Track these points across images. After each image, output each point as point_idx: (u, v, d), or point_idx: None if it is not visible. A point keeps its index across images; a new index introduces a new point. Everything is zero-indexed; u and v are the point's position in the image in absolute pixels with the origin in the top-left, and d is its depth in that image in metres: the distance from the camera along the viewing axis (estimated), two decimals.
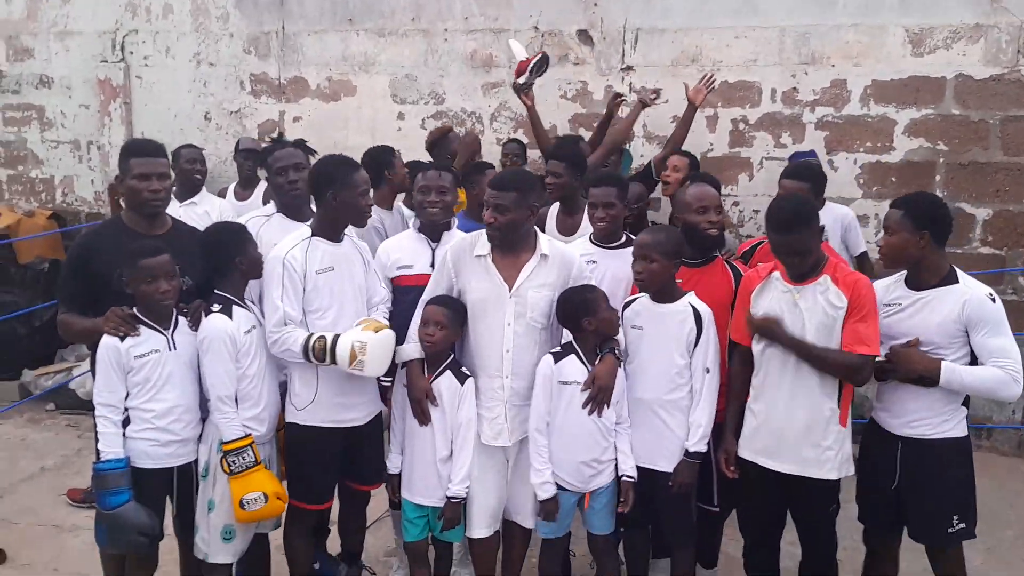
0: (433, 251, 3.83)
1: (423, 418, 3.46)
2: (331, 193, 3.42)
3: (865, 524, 3.51)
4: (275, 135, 6.34)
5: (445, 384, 3.47)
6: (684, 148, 5.37)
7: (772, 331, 3.25)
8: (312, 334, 3.34)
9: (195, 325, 3.32)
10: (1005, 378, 3.11)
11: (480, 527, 3.56)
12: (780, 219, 3.24)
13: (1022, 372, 3.13)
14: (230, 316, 3.31)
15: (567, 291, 3.42)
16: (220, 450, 3.27)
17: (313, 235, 3.46)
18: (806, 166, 4.67)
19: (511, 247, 3.44)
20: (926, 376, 3.15)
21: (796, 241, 3.19)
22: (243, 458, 3.24)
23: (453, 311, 3.45)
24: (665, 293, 3.47)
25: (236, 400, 3.31)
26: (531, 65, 5.27)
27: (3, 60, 7.66)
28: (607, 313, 3.41)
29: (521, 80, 5.30)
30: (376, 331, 3.38)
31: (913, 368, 3.16)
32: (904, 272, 3.34)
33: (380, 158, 4.64)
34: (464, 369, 3.51)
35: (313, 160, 3.83)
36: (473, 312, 3.48)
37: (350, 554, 3.95)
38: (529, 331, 3.43)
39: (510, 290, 3.40)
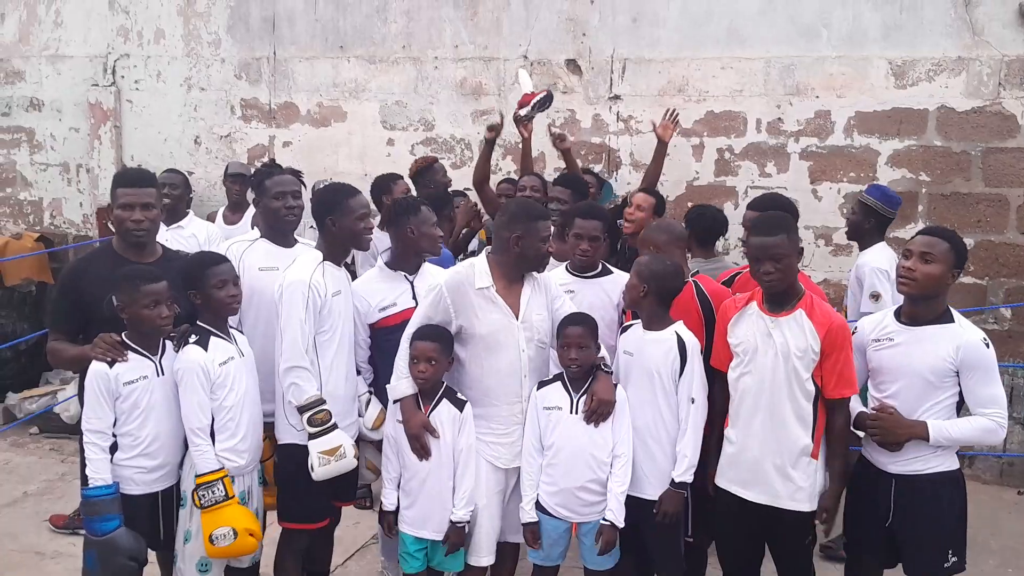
0: (412, 284, 3.84)
1: (423, 452, 3.43)
2: (330, 220, 3.53)
3: (852, 555, 3.50)
4: (267, 160, 6.44)
5: (445, 413, 3.45)
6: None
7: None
8: (322, 408, 3.38)
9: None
10: (991, 426, 3.15)
11: (485, 554, 3.54)
12: (766, 221, 3.36)
13: (1006, 417, 3.18)
14: (206, 348, 3.30)
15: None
16: (194, 482, 3.26)
17: (324, 259, 3.53)
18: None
19: (516, 277, 3.51)
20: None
21: (776, 245, 3.23)
22: (213, 492, 3.21)
23: (443, 343, 3.43)
24: (655, 320, 3.52)
25: (213, 431, 3.29)
26: (535, 100, 5.40)
27: None
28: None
29: (523, 112, 5.42)
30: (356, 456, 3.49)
31: (900, 436, 3.19)
32: (895, 307, 3.38)
33: (380, 184, 4.87)
34: (460, 395, 3.50)
35: (305, 190, 3.93)
36: (486, 345, 3.47)
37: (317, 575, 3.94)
38: (539, 353, 3.53)
39: (518, 318, 3.46)
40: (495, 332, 3.45)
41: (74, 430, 6.22)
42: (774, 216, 3.47)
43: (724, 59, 6.14)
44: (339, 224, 3.53)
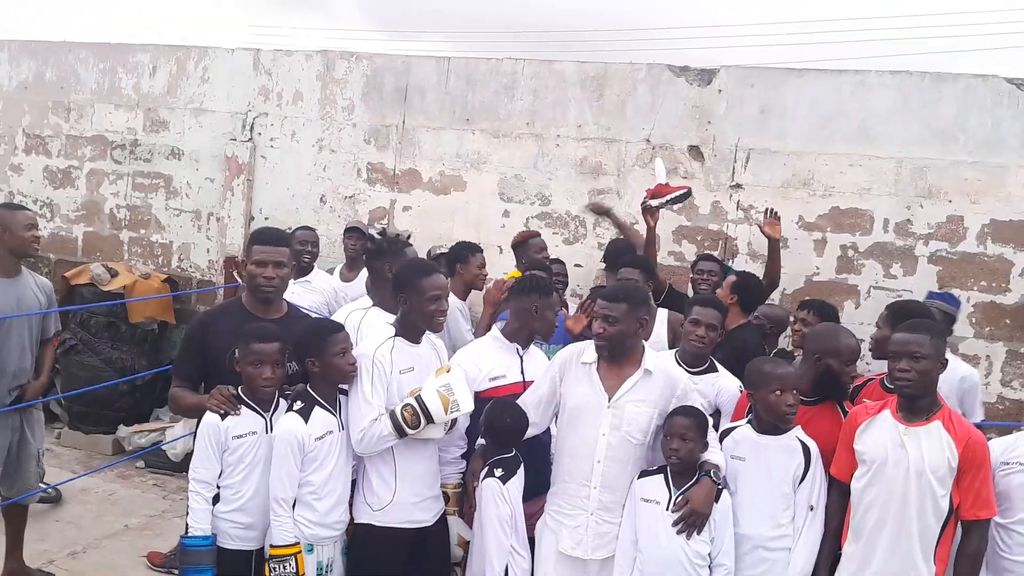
0: (522, 359, 3.84)
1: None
2: (402, 298, 3.52)
3: None
4: (386, 223, 6.62)
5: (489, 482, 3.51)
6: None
7: None
8: (394, 410, 3.36)
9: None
10: None
11: None
12: (915, 322, 3.29)
13: None
14: (307, 419, 3.30)
15: None
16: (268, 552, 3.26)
17: (396, 335, 3.52)
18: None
19: (617, 359, 3.43)
20: None
21: (917, 343, 3.13)
22: (284, 567, 3.20)
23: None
24: (770, 425, 3.41)
25: (295, 503, 3.28)
26: (672, 196, 5.44)
27: (140, 130, 8.16)
28: None
29: (654, 203, 5.44)
30: (447, 372, 3.44)
31: None
32: None
33: (459, 252, 5.02)
34: (516, 468, 3.55)
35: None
36: (570, 418, 3.45)
37: None
38: (623, 444, 3.38)
39: (609, 400, 3.38)
40: (581, 407, 3.42)
41: (178, 467, 6.42)
42: (925, 321, 3.39)
43: (853, 156, 6.00)
44: (410, 303, 3.51)
